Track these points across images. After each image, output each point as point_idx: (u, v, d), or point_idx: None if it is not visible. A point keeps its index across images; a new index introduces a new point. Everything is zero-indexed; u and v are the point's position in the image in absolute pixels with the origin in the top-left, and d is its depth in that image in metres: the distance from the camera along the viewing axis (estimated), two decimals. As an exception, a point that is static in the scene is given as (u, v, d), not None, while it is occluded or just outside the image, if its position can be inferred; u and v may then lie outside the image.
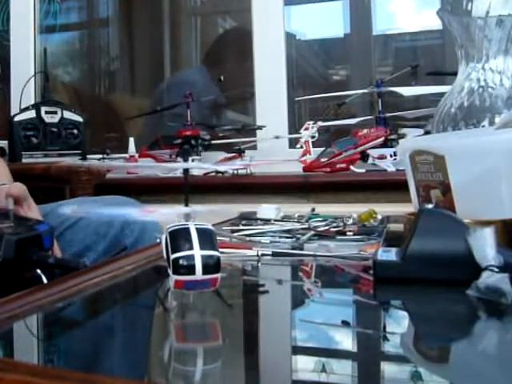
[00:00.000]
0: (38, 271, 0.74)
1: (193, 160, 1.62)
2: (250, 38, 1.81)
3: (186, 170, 0.51)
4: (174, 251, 0.47)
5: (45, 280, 0.74)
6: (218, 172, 1.58)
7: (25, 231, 0.75)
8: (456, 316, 0.48)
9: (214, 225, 0.89)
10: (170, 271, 0.47)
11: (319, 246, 0.76)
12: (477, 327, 0.47)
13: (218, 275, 0.47)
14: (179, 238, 0.47)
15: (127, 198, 1.08)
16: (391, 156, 1.43)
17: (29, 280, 0.74)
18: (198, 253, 0.46)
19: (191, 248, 0.46)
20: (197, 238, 0.47)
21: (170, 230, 0.48)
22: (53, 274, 0.75)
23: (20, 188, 0.85)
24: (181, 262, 0.46)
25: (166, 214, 0.51)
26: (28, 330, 0.49)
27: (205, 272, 0.46)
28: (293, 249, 0.75)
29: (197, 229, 0.48)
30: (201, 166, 0.63)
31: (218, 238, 0.78)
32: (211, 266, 0.46)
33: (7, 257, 0.71)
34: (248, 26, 1.82)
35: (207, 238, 0.48)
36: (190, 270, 0.46)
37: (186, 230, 0.47)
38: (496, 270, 0.48)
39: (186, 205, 0.50)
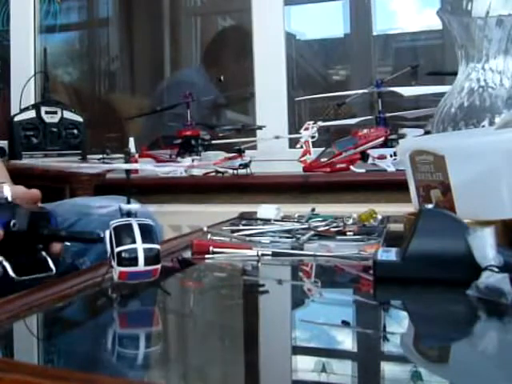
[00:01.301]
0: (43, 253, 0.74)
1: (193, 160, 1.62)
2: (248, 36, 1.80)
3: (127, 171, 0.58)
4: (118, 245, 0.51)
5: (50, 262, 0.73)
6: (218, 172, 1.58)
7: (34, 208, 0.76)
8: (456, 316, 0.48)
9: (213, 225, 0.89)
10: (114, 263, 0.52)
11: (319, 246, 0.76)
12: (477, 327, 0.47)
13: (159, 266, 0.52)
14: (123, 233, 0.52)
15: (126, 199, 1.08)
16: (391, 156, 1.43)
17: (35, 262, 0.73)
18: (140, 246, 0.51)
19: (134, 242, 0.51)
20: (139, 232, 0.51)
21: (114, 225, 0.53)
22: (59, 262, 0.76)
23: (36, 193, 0.85)
24: (124, 254, 0.51)
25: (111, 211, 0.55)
26: (28, 330, 0.49)
27: (146, 263, 0.51)
28: (293, 249, 0.75)
29: (139, 224, 0.52)
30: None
31: (218, 238, 0.79)
32: (152, 257, 0.51)
33: (21, 228, 0.71)
34: (247, 25, 1.82)
35: (148, 233, 0.52)
36: (133, 261, 0.51)
37: (129, 226, 0.52)
38: (496, 270, 0.48)
39: (128, 202, 0.56)
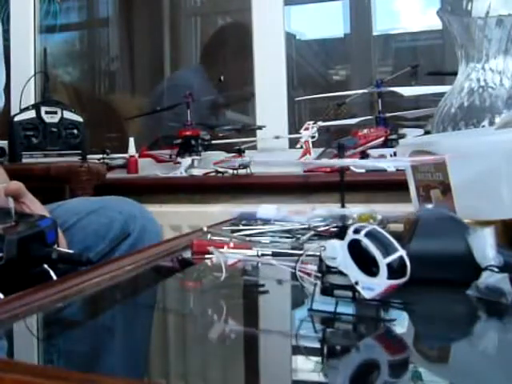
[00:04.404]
0: (45, 266, 0.73)
1: (193, 160, 1.62)
2: (247, 33, 1.80)
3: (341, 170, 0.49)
4: (386, 254, 0.43)
5: (53, 274, 0.73)
6: (218, 172, 1.59)
7: (27, 229, 0.75)
8: (456, 316, 0.48)
9: (213, 225, 0.89)
10: (378, 277, 0.43)
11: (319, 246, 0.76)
12: (477, 327, 0.47)
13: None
14: (382, 239, 0.44)
15: (127, 199, 1.08)
16: (391, 156, 1.43)
17: (37, 275, 0.73)
18: (403, 253, 0.44)
19: (395, 249, 0.44)
20: (391, 238, 0.44)
21: (368, 230, 0.44)
22: (60, 269, 0.75)
23: (17, 185, 0.84)
24: (395, 264, 0.43)
25: (322, 215, 0.48)
26: (28, 330, 0.49)
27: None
28: (293, 249, 0.75)
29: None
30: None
31: (218, 238, 0.79)
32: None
33: (10, 257, 0.70)
34: (246, 22, 1.82)
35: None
36: (403, 271, 0.43)
37: (378, 230, 0.45)
38: (496, 270, 0.48)
39: (343, 206, 0.49)
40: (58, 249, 0.78)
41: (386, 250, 0.43)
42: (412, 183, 0.74)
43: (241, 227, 0.87)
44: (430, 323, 0.46)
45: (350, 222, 0.86)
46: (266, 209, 0.94)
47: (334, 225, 0.85)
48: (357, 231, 0.44)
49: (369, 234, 0.44)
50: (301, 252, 0.73)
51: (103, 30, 2.28)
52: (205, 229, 0.85)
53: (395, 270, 0.43)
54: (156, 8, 2.20)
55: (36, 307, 0.50)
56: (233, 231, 0.85)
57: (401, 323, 0.49)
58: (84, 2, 2.29)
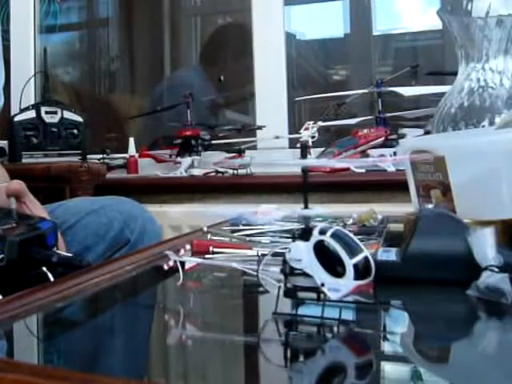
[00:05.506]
0: (44, 269, 0.74)
1: (193, 160, 1.62)
2: (247, 33, 1.80)
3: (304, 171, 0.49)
4: (351, 255, 0.43)
5: (51, 277, 0.73)
6: (218, 172, 1.59)
7: (27, 231, 0.75)
8: (456, 316, 0.48)
9: (213, 225, 0.89)
10: (344, 278, 0.42)
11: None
12: (477, 327, 0.47)
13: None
14: (347, 240, 0.44)
15: (127, 199, 1.08)
16: (391, 156, 1.43)
17: (35, 278, 0.74)
18: (368, 253, 0.44)
19: (360, 250, 0.43)
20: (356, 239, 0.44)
21: (333, 231, 0.44)
22: (58, 271, 0.75)
23: (19, 184, 0.84)
24: (360, 265, 0.43)
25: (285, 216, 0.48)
26: (28, 330, 0.49)
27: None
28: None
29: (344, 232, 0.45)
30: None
31: (218, 238, 0.79)
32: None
33: (11, 258, 0.70)
34: (246, 22, 1.82)
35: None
36: (369, 272, 0.43)
37: (343, 231, 0.44)
38: (496, 270, 0.48)
39: (306, 207, 0.49)
40: (58, 252, 0.79)
41: (351, 250, 0.43)
42: (412, 183, 0.74)
43: (241, 227, 0.87)
44: (430, 323, 0.46)
45: (350, 221, 0.86)
46: (266, 209, 0.94)
47: (334, 225, 0.85)
48: (322, 232, 0.44)
49: (334, 235, 0.43)
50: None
51: (103, 30, 2.28)
52: (205, 229, 0.85)
53: (361, 271, 0.43)
54: (156, 8, 2.20)
55: (36, 307, 0.50)
56: (233, 231, 0.85)
57: (401, 323, 0.49)
58: (84, 2, 2.28)
